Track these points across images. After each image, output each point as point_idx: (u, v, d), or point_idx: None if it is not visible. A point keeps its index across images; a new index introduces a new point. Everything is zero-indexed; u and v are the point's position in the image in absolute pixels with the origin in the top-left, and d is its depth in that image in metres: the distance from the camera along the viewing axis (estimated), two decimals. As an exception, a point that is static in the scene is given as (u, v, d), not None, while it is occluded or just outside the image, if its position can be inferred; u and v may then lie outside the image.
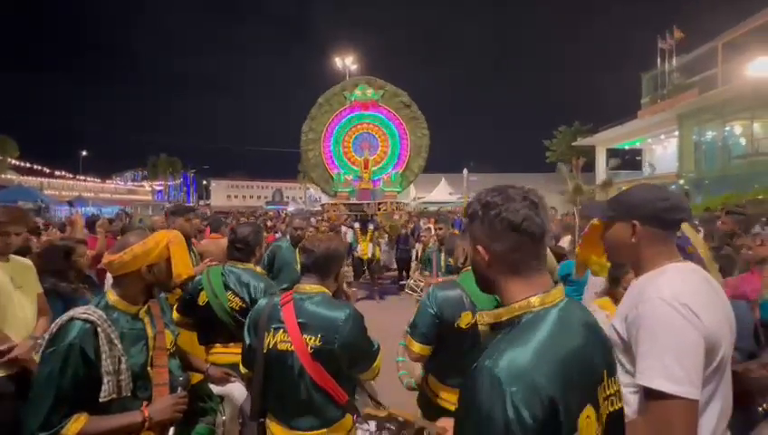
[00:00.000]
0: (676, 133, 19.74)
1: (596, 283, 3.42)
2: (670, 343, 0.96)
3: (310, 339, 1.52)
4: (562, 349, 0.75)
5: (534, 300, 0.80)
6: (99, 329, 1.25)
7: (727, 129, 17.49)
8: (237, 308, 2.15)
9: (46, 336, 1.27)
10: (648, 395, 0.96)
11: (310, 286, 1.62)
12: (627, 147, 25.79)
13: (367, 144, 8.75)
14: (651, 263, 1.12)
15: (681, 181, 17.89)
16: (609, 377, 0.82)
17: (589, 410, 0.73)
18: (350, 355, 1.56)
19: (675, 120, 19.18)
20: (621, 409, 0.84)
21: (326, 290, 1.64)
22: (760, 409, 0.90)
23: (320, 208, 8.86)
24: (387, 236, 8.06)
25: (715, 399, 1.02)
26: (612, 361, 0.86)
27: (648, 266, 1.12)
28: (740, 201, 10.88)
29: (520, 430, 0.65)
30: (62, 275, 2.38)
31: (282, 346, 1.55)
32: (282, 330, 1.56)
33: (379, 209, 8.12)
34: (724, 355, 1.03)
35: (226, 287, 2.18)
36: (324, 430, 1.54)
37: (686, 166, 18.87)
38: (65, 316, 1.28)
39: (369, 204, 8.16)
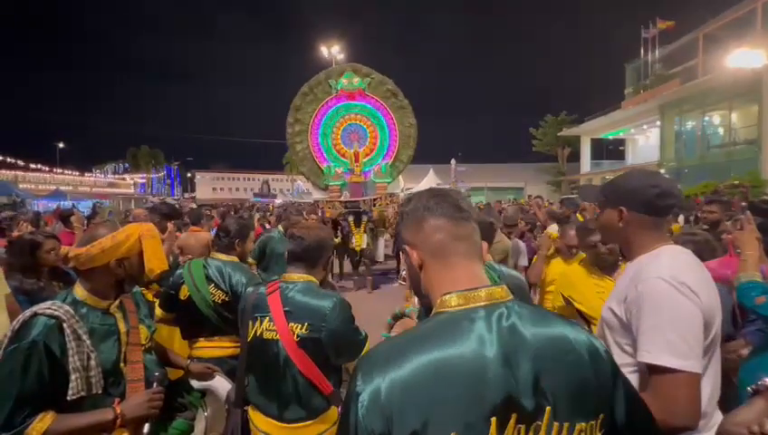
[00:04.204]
0: (658, 123, 20.10)
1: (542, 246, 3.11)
2: (672, 320, 0.99)
3: (296, 327, 1.50)
4: (446, 367, 0.64)
5: (451, 299, 0.71)
6: (65, 325, 1.19)
7: (706, 119, 17.92)
8: (220, 301, 2.09)
9: (8, 333, 1.20)
10: (653, 371, 0.98)
11: (297, 275, 1.60)
12: (611, 137, 26.14)
13: (356, 136, 8.56)
14: (641, 247, 1.16)
15: (662, 170, 18.34)
16: (557, 420, 0.65)
17: None
18: (336, 344, 1.53)
19: (657, 111, 19.52)
20: None
21: (313, 279, 1.62)
22: (749, 389, 0.92)
23: (311, 203, 8.64)
24: (372, 227, 7.99)
25: (706, 376, 1.05)
26: (577, 399, 0.67)
27: (638, 250, 1.16)
28: (717, 189, 11.22)
29: (354, 428, 0.64)
30: (29, 272, 2.25)
31: (267, 335, 1.53)
32: (267, 318, 1.53)
33: (374, 205, 8.03)
34: (717, 333, 1.07)
35: (208, 280, 2.12)
36: (309, 421, 1.51)
37: (667, 155, 19.30)
38: (28, 312, 1.21)
39: (364, 200, 8.05)
